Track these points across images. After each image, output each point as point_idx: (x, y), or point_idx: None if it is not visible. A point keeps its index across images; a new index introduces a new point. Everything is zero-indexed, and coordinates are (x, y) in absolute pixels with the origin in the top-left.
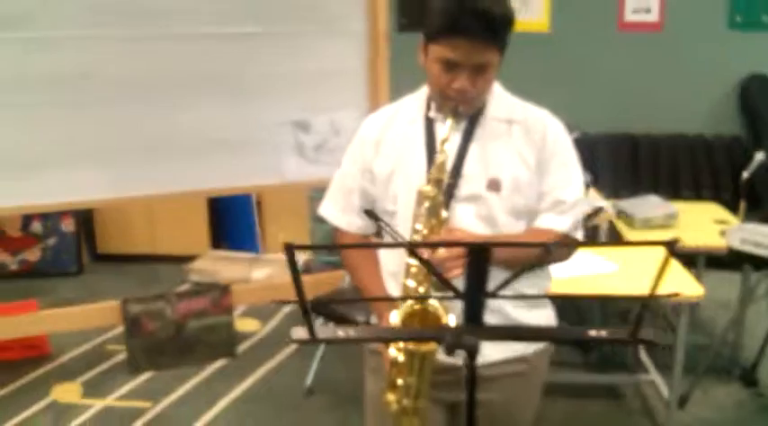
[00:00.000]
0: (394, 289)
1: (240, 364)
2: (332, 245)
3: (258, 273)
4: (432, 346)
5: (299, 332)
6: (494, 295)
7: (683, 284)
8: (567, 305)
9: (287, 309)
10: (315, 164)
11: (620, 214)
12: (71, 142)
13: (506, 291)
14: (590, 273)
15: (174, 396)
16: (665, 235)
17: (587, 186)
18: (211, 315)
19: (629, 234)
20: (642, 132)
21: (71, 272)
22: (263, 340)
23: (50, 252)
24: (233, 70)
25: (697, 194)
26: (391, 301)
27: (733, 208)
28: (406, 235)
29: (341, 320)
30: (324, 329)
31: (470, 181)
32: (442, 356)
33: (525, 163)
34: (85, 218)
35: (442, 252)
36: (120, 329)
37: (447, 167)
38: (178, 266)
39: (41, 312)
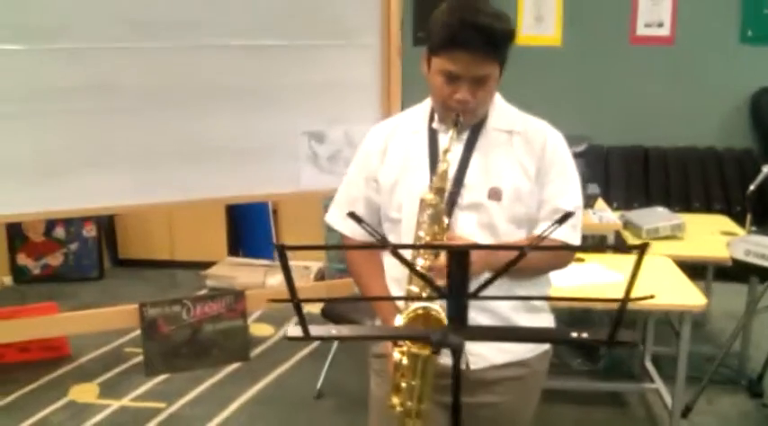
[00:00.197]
0: (397, 295)
1: (253, 367)
2: (322, 246)
3: (273, 280)
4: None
5: (294, 331)
6: (475, 296)
7: (686, 294)
8: (574, 314)
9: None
10: (329, 173)
11: (628, 225)
12: (94, 149)
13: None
14: (595, 283)
15: (187, 398)
16: (672, 246)
17: (595, 197)
18: (226, 319)
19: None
20: (654, 145)
21: (92, 277)
22: (276, 344)
23: (72, 257)
24: (253, 81)
25: (708, 207)
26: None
27: (743, 221)
28: (411, 242)
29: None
30: (317, 328)
31: (472, 190)
32: (443, 359)
33: (526, 172)
34: (107, 224)
35: (443, 259)
36: (137, 332)
37: (449, 176)
38: (196, 272)
39: (61, 314)
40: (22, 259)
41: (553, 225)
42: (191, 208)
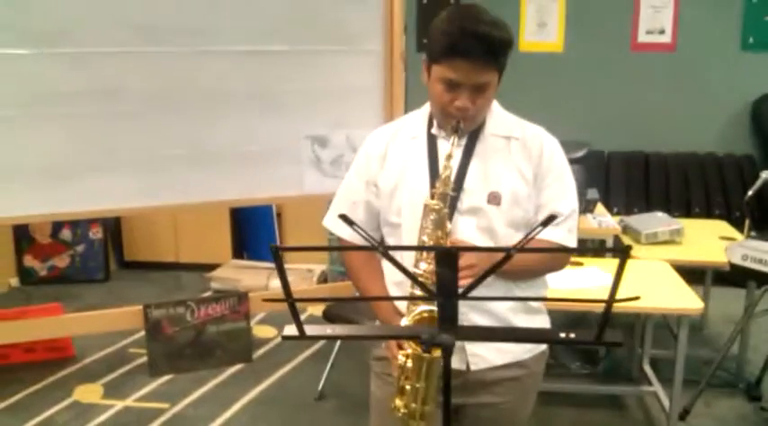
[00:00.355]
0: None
1: (256, 368)
2: (314, 247)
3: (276, 282)
4: (438, 352)
5: (290, 330)
6: (464, 296)
7: (683, 298)
8: (571, 317)
9: (303, 319)
10: (331, 177)
11: (627, 230)
12: (100, 153)
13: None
14: (591, 286)
15: (191, 398)
16: (671, 251)
17: (595, 202)
18: (230, 321)
19: (634, 249)
20: (654, 150)
21: (98, 279)
22: (279, 346)
23: (79, 259)
24: (256, 86)
25: (708, 212)
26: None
27: (743, 227)
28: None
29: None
30: (312, 327)
31: (472, 195)
32: None
33: (523, 177)
34: (113, 227)
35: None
36: (141, 333)
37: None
38: (200, 274)
39: (66, 315)
40: (29, 260)
41: (537, 228)
42: (195, 210)
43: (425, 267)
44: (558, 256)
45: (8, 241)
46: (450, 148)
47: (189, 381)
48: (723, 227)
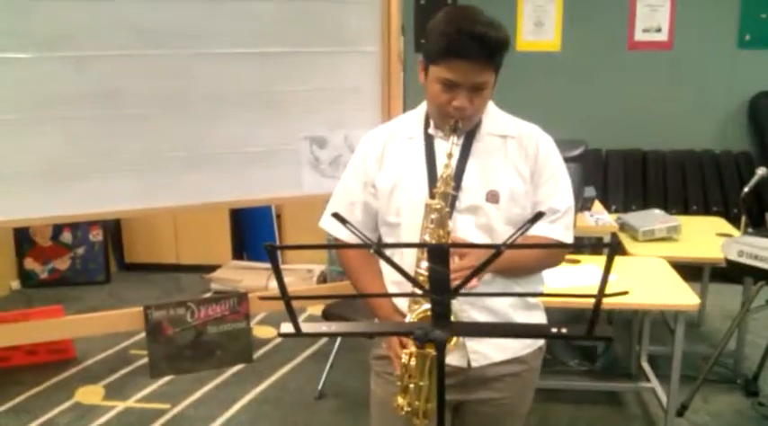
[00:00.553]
0: (397, 298)
1: (256, 369)
2: (309, 245)
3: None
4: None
5: (286, 327)
6: (456, 293)
7: (680, 294)
8: (569, 313)
9: (302, 318)
10: (330, 177)
11: (624, 227)
12: (100, 155)
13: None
14: (588, 283)
15: (192, 399)
16: (668, 248)
17: (592, 200)
18: (230, 321)
19: (632, 246)
20: (652, 148)
21: (99, 281)
22: (279, 346)
23: (79, 261)
24: (255, 88)
25: (705, 209)
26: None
27: (739, 223)
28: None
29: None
30: (308, 324)
31: (470, 194)
32: (447, 359)
33: (520, 175)
34: (114, 229)
35: (457, 260)
36: (142, 334)
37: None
38: (201, 275)
39: (67, 317)
40: (30, 263)
41: (525, 225)
42: (195, 212)
43: (427, 265)
44: (554, 252)
45: (9, 244)
46: (450, 147)
47: (189, 381)
48: (720, 224)
